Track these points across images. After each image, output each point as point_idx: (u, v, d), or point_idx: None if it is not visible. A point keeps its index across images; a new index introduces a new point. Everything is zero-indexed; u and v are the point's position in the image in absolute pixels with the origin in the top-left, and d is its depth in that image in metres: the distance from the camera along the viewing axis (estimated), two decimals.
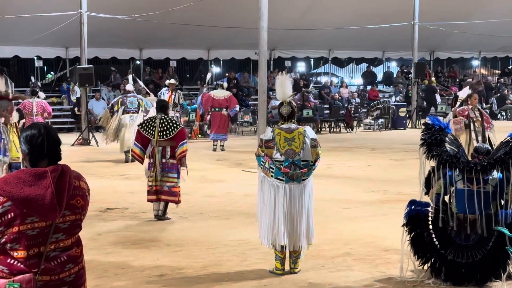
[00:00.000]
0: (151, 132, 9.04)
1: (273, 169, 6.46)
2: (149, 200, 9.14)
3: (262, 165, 6.55)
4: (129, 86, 16.19)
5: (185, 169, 9.09)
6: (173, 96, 17.35)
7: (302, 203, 6.49)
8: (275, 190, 6.46)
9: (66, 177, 3.24)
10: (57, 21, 20.86)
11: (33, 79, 24.70)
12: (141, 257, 7.16)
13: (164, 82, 22.12)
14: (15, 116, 8.32)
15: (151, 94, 17.56)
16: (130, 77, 17.21)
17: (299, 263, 6.60)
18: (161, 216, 9.06)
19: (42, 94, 17.24)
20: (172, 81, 18.36)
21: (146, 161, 9.22)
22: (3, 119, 7.86)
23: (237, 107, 18.12)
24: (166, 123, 9.03)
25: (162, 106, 9.42)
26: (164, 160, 9.03)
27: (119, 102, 15.47)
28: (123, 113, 15.15)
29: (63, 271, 3.26)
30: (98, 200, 9.97)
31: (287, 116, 6.63)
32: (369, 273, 6.54)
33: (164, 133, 8.99)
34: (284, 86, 6.81)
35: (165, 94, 17.53)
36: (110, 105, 16.44)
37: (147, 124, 9.15)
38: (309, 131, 6.66)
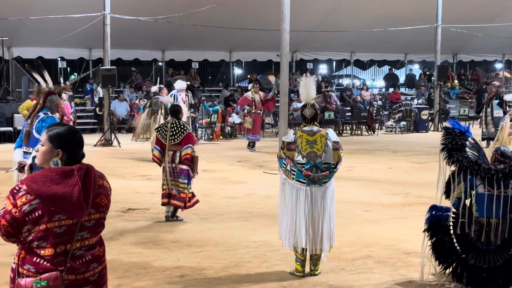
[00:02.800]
0: (164, 136, 9.11)
1: (294, 171, 6.46)
2: (162, 204, 9.22)
3: (283, 167, 6.56)
4: (154, 88, 16.44)
5: (194, 173, 9.10)
6: (187, 98, 17.32)
7: (324, 206, 6.47)
8: (296, 193, 6.46)
9: (91, 176, 3.28)
10: (81, 22, 21.02)
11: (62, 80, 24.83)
12: (162, 258, 7.20)
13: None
14: None
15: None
16: (158, 79, 17.52)
17: (319, 265, 6.60)
18: (170, 218, 9.12)
19: (64, 96, 17.34)
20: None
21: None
22: (57, 114, 7.98)
23: (236, 108, 18.77)
24: (175, 128, 9.07)
25: (174, 111, 9.45)
26: (173, 165, 9.06)
27: (147, 103, 16.20)
28: (152, 114, 15.56)
29: (87, 270, 3.30)
30: (120, 200, 10.05)
31: (310, 118, 6.63)
32: (389, 276, 6.53)
33: (174, 137, 9.04)
34: (308, 88, 6.80)
35: (177, 97, 17.07)
36: (142, 107, 17.00)
37: (162, 128, 9.23)
38: (331, 134, 6.65)
